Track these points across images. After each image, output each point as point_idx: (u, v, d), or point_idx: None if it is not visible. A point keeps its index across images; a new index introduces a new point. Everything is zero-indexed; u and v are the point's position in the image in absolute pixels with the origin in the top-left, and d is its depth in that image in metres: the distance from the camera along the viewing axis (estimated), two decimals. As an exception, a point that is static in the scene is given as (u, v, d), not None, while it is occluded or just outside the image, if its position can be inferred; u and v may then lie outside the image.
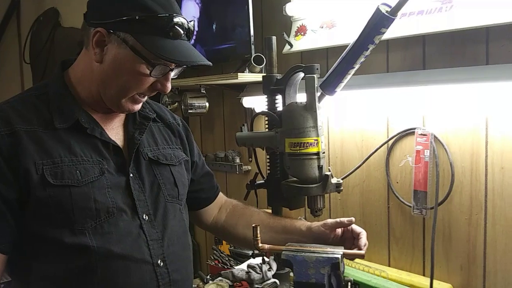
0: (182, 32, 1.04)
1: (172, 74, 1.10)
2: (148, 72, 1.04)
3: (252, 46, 1.87)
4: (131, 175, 1.12)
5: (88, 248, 1.01)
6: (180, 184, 1.23)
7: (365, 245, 1.19)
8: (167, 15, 1.02)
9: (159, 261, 1.09)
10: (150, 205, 1.13)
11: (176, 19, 1.03)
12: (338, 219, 1.22)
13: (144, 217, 1.10)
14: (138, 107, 1.14)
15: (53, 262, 1.02)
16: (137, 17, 1.00)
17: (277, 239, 1.25)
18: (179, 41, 1.04)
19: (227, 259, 2.04)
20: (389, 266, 1.69)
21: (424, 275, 1.59)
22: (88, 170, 1.05)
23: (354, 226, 1.22)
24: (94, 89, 1.09)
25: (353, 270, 1.63)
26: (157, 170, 1.18)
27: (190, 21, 1.08)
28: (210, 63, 1.08)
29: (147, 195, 1.13)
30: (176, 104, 2.36)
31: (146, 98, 1.14)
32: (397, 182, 1.64)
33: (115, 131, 1.16)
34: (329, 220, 1.24)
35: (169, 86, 1.10)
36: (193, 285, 1.77)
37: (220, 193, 1.46)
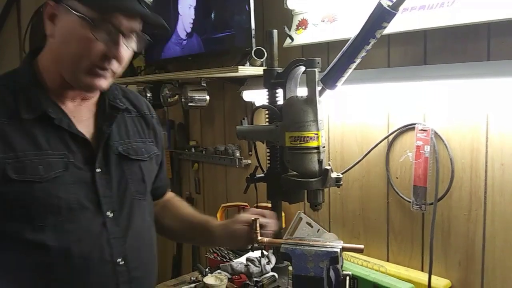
0: None
1: (134, 47, 1.05)
2: (92, 36, 0.98)
3: (253, 40, 1.87)
4: (99, 169, 1.08)
5: (46, 247, 0.99)
6: (148, 179, 1.20)
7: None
8: None
9: (119, 260, 1.07)
10: (116, 201, 1.09)
11: None
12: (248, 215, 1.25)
13: (108, 213, 1.07)
14: (101, 82, 1.05)
15: (14, 255, 1.00)
16: None
17: (193, 237, 1.37)
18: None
19: (226, 252, 2.04)
20: (387, 261, 1.70)
21: (422, 270, 1.60)
22: (52, 165, 1.00)
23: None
24: (54, 69, 1.05)
25: (351, 265, 1.63)
26: (126, 165, 1.14)
27: None
28: (163, 23, 1.05)
29: (114, 191, 1.09)
30: (176, 97, 2.35)
31: (109, 72, 1.05)
32: (397, 178, 1.64)
33: (85, 123, 1.11)
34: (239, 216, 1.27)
35: (122, 53, 1.02)
36: (193, 278, 1.78)
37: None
